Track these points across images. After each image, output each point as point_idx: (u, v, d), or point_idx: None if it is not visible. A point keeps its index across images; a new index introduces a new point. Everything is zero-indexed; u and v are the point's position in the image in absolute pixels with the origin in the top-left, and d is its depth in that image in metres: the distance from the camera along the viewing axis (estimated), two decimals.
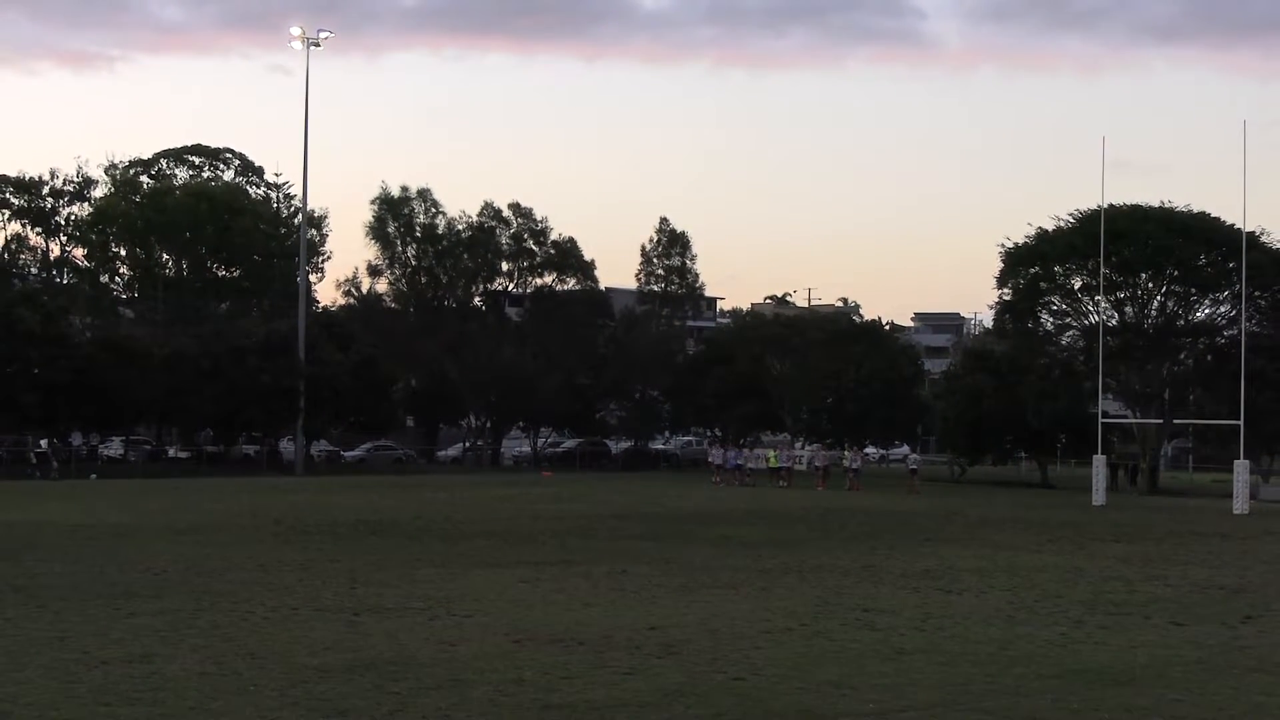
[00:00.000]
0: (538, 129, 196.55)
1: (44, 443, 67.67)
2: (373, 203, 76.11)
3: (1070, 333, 67.31)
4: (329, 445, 75.79)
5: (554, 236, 77.98)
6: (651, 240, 79.76)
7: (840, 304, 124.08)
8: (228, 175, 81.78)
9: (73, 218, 75.92)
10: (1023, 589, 21.16)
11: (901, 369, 75.23)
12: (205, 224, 73.87)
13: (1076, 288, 64.74)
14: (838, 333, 76.46)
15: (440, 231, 76.43)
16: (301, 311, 68.39)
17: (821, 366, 72.43)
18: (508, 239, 77.61)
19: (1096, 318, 60.97)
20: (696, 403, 76.80)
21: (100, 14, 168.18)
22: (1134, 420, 64.64)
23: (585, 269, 78.54)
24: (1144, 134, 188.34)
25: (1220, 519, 41.03)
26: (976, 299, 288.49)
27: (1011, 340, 68.88)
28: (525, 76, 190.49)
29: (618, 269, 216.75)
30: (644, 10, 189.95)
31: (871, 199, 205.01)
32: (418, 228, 76.43)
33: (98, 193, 76.33)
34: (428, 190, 76.49)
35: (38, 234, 75.54)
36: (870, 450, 59.58)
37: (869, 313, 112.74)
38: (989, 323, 79.68)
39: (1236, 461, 47.82)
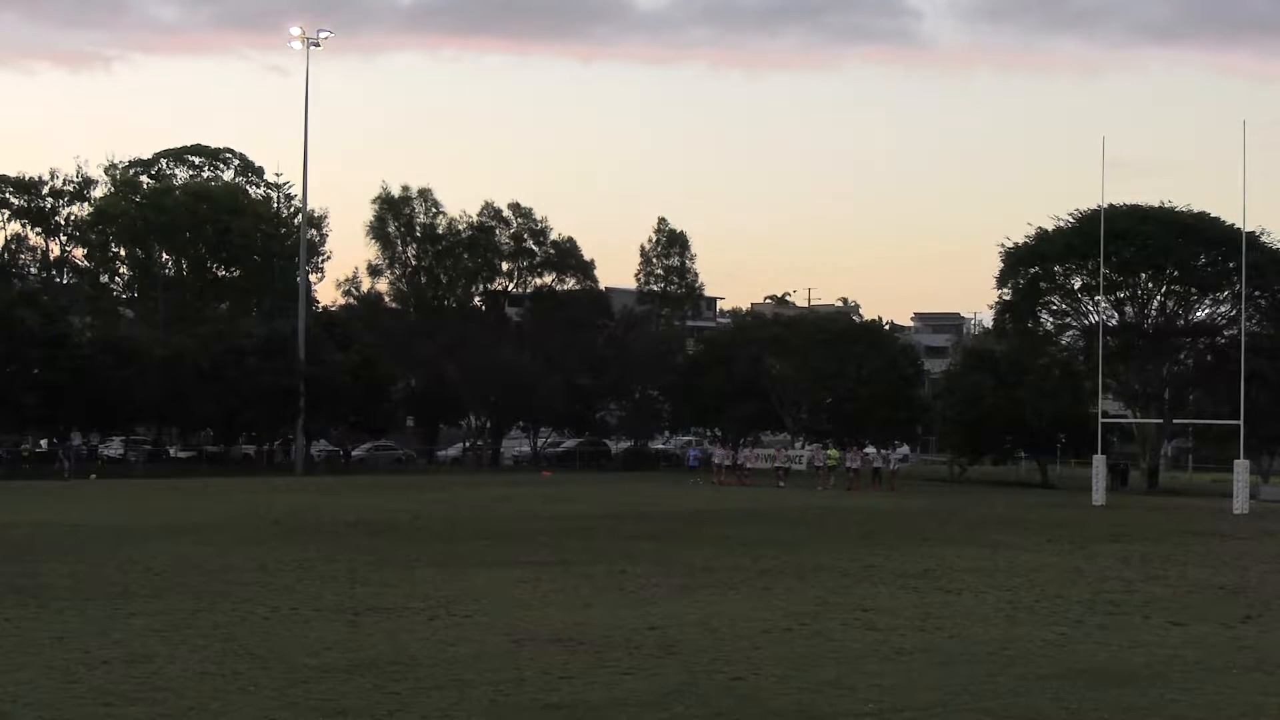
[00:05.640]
0: (536, 129, 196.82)
1: (44, 442, 67.92)
2: (373, 202, 76.26)
3: (1070, 333, 67.33)
4: (329, 445, 75.78)
5: (554, 236, 78.15)
6: (651, 240, 79.83)
7: (840, 304, 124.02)
8: (227, 175, 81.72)
9: (73, 218, 75.90)
10: (1022, 589, 21.16)
11: (901, 369, 75.20)
12: (205, 224, 73.83)
13: (1076, 288, 64.77)
14: (838, 333, 76.36)
15: (440, 231, 76.50)
16: (301, 312, 68.43)
17: (821, 366, 72.41)
18: (507, 239, 77.68)
19: (1096, 318, 60.99)
20: (696, 403, 76.79)
21: (97, 14, 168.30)
22: (1134, 420, 64.66)
23: (585, 269, 78.59)
24: (1143, 134, 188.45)
25: (1220, 519, 41.01)
26: (976, 299, 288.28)
27: (1011, 340, 68.87)
28: (523, 77, 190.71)
29: (617, 269, 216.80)
30: (640, 11, 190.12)
31: (871, 199, 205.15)
32: (418, 228, 76.49)
33: (97, 193, 76.33)
34: (428, 190, 76.74)
35: (38, 234, 75.52)
36: (870, 450, 59.43)
37: (869, 313, 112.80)
38: (989, 323, 79.73)
39: (1236, 461, 47.77)
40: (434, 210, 76.71)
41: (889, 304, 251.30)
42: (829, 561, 24.86)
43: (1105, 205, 56.16)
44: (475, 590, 19.92)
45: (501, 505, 40.62)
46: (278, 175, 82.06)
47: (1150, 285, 63.09)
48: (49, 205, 75.19)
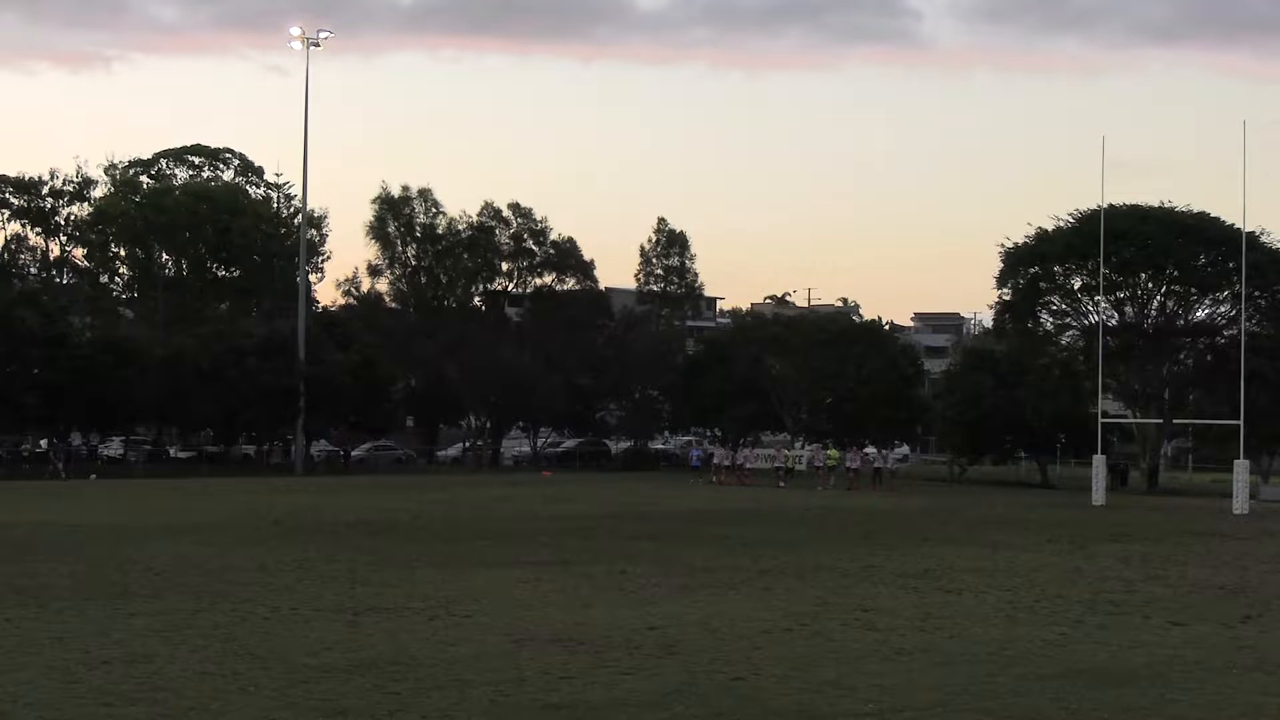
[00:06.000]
0: (536, 129, 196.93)
1: (43, 442, 67.95)
2: (373, 202, 76.31)
3: (1070, 333, 67.34)
4: (329, 445, 75.80)
5: (554, 236, 78.19)
6: (650, 240, 79.87)
7: (840, 304, 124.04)
8: (227, 175, 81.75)
9: (72, 218, 75.92)
10: (1022, 589, 21.16)
11: (901, 369, 75.21)
12: (205, 224, 73.86)
13: (1076, 288, 64.78)
14: (838, 333, 76.39)
15: (440, 231, 76.52)
16: (301, 311, 68.43)
17: (821, 367, 72.42)
18: (507, 239, 77.71)
19: (1096, 318, 60.99)
20: (696, 403, 76.79)
21: (97, 14, 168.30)
22: (1134, 420, 64.65)
23: (585, 269, 78.60)
24: (1143, 134, 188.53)
25: (1219, 519, 41.02)
26: (976, 299, 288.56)
27: (1011, 340, 68.89)
28: (523, 77, 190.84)
29: (617, 269, 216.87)
30: (640, 11, 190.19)
31: (871, 199, 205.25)
32: (418, 228, 76.52)
33: (97, 193, 76.37)
34: (428, 190, 76.78)
35: (38, 234, 75.53)
36: (870, 450, 59.42)
37: (869, 313, 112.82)
38: (989, 323, 79.72)
39: (1236, 461, 47.79)
40: (434, 210, 76.80)
41: (889, 304, 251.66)
42: (829, 561, 24.85)
43: (1105, 205, 56.17)
44: (475, 590, 19.91)
45: (501, 505, 40.62)
46: (278, 175, 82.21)
47: (1150, 285, 63.10)
48: (49, 205, 75.19)
